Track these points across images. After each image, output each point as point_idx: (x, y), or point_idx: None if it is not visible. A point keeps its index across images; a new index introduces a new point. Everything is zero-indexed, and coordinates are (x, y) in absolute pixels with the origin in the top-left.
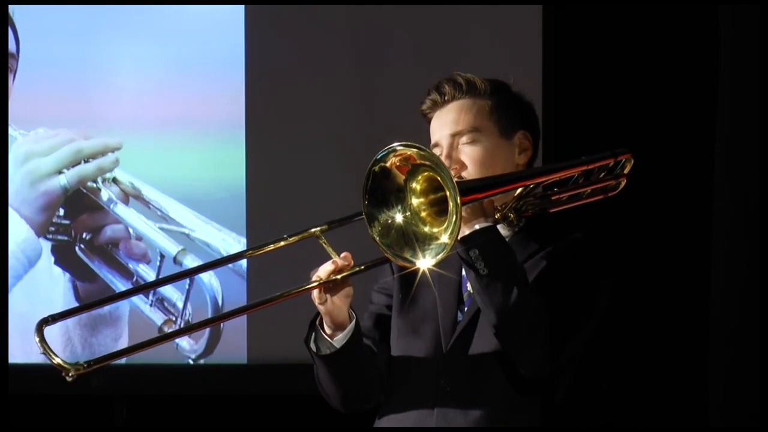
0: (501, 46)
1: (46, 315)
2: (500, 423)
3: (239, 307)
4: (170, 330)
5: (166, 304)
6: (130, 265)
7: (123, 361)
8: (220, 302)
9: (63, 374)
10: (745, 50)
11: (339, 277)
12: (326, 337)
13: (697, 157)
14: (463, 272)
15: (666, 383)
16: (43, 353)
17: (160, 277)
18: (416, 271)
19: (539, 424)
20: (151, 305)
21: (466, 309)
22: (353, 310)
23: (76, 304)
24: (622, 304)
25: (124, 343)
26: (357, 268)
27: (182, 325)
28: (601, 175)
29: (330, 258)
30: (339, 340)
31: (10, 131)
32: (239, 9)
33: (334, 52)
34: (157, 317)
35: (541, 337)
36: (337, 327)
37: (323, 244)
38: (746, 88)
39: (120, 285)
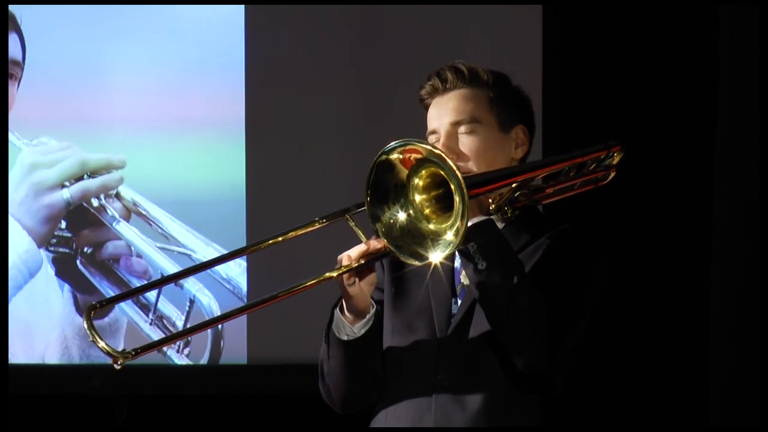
0: (501, 45)
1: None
2: (498, 416)
3: (263, 298)
4: (168, 350)
5: (165, 322)
6: (132, 282)
7: None
8: (219, 326)
9: (112, 362)
10: (745, 50)
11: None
12: (347, 323)
13: (697, 156)
14: (456, 264)
15: (666, 383)
16: (92, 340)
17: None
18: (407, 266)
19: (538, 417)
20: (150, 324)
21: (460, 301)
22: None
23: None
24: (622, 303)
25: None
26: (355, 264)
27: (181, 346)
28: (592, 167)
29: (358, 241)
30: (359, 327)
31: (15, 140)
32: (239, 9)
33: (334, 52)
34: (156, 335)
35: (541, 330)
36: (358, 314)
37: (353, 227)
38: (746, 88)
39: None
